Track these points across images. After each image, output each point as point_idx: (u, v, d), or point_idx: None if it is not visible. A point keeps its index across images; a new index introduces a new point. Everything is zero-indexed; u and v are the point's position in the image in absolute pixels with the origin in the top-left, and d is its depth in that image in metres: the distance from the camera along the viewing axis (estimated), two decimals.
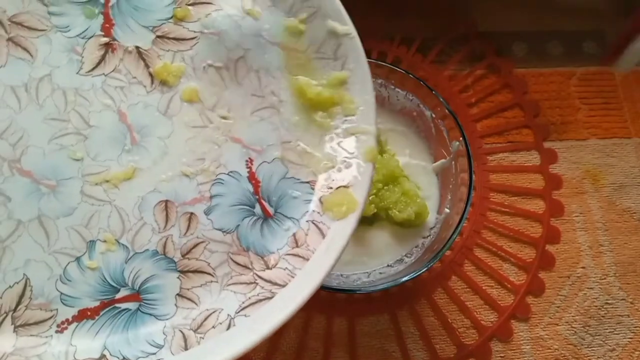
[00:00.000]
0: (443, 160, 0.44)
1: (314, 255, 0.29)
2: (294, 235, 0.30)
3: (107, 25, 0.32)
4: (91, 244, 0.29)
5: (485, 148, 0.49)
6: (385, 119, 0.46)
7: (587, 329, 0.43)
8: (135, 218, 0.30)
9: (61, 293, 0.28)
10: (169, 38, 0.32)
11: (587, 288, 0.45)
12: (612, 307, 0.44)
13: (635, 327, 0.44)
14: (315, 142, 0.32)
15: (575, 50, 0.53)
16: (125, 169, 0.30)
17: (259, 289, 0.29)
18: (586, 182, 0.48)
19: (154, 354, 0.27)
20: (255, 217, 0.31)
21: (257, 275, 0.30)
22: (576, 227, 0.46)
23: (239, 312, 0.28)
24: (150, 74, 0.32)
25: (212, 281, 0.29)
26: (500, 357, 0.42)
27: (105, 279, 0.29)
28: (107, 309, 0.29)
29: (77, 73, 0.31)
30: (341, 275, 0.41)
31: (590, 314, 0.44)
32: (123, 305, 0.29)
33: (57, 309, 0.28)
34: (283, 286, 0.29)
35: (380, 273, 0.41)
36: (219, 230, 0.30)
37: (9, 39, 0.31)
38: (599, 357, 0.43)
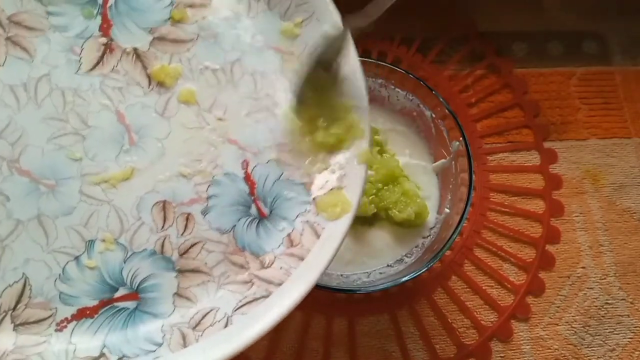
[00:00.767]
0: (443, 160, 0.44)
1: (309, 254, 0.30)
2: (289, 235, 0.31)
3: (105, 25, 0.32)
4: (90, 243, 0.30)
5: (485, 148, 0.49)
6: (385, 119, 0.46)
7: (587, 329, 0.43)
8: (134, 218, 0.30)
9: (60, 292, 0.29)
10: (166, 40, 0.33)
11: (587, 288, 0.45)
12: (612, 307, 0.44)
13: (635, 327, 0.44)
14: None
15: (575, 50, 0.53)
16: (124, 169, 0.31)
17: (255, 288, 0.30)
18: (586, 182, 0.48)
19: (153, 351, 0.28)
20: (251, 218, 0.31)
21: (253, 274, 0.30)
22: (576, 227, 0.47)
23: (236, 310, 0.29)
24: (148, 75, 0.32)
25: (209, 280, 0.30)
26: (500, 357, 0.42)
27: (104, 278, 0.29)
28: (105, 308, 0.29)
29: (75, 73, 0.32)
30: (341, 275, 0.41)
31: (590, 314, 0.44)
32: (121, 304, 0.29)
33: (56, 308, 0.29)
34: (279, 285, 0.29)
35: (380, 273, 0.41)
36: (216, 230, 0.31)
37: (8, 38, 0.31)
38: (599, 357, 0.43)
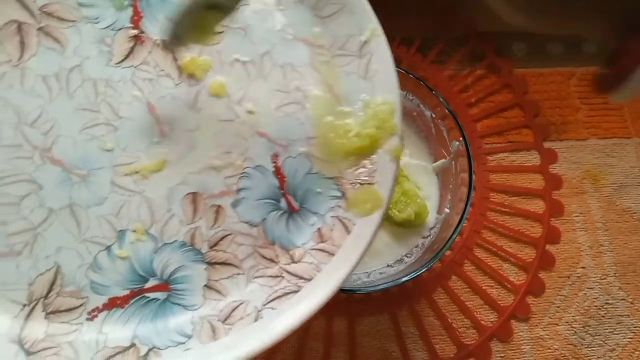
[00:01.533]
0: (443, 160, 0.44)
1: (339, 250, 0.30)
2: (319, 230, 0.31)
3: (136, 17, 0.33)
4: (121, 233, 0.30)
5: (485, 148, 0.49)
6: None
7: (587, 329, 0.43)
8: (164, 209, 0.31)
9: (91, 281, 0.29)
10: None
11: (587, 288, 0.45)
12: (612, 307, 0.44)
13: (635, 327, 0.44)
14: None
15: (575, 50, 0.54)
16: (155, 160, 0.31)
17: (285, 282, 0.30)
18: (586, 182, 0.48)
19: (184, 343, 0.28)
20: (281, 212, 0.31)
21: (283, 268, 0.30)
22: (576, 227, 0.47)
23: (265, 304, 0.29)
24: (178, 67, 0.32)
25: (239, 273, 0.30)
26: (500, 357, 0.42)
27: (134, 268, 0.30)
28: (136, 298, 0.29)
29: (106, 64, 0.32)
30: None
31: (590, 314, 0.44)
32: (152, 295, 0.29)
33: (87, 297, 0.29)
34: (309, 280, 0.30)
35: (380, 273, 0.41)
36: (246, 223, 0.31)
37: (40, 29, 0.32)
38: (599, 357, 0.43)
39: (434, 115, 0.44)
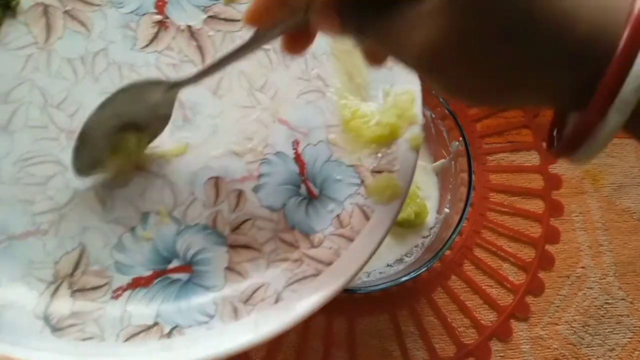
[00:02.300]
0: (443, 160, 0.44)
1: (358, 236, 0.31)
2: (338, 216, 0.32)
3: (160, 3, 0.34)
4: (145, 215, 0.31)
5: (485, 148, 0.49)
6: None
7: (586, 329, 0.44)
8: (187, 193, 0.31)
9: (116, 261, 0.30)
10: (219, 18, 0.34)
11: (587, 288, 0.45)
12: (612, 307, 0.45)
13: (635, 327, 0.44)
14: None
15: None
16: (178, 145, 0.32)
17: (304, 266, 0.31)
18: (586, 182, 0.49)
19: (206, 322, 0.29)
20: (300, 197, 0.32)
21: (302, 253, 0.31)
22: (576, 227, 0.47)
23: (286, 287, 0.30)
24: (201, 53, 0.34)
25: (259, 257, 0.31)
26: (500, 356, 0.43)
27: (158, 249, 0.31)
28: (159, 279, 0.30)
29: (131, 49, 0.33)
30: None
31: (589, 314, 0.44)
32: (175, 276, 0.30)
33: (112, 276, 0.30)
34: (328, 265, 0.30)
35: (380, 273, 0.42)
36: (267, 208, 0.32)
37: (66, 12, 0.33)
38: (598, 357, 0.43)
39: (433, 115, 0.44)
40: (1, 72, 0.32)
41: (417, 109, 0.33)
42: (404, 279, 0.38)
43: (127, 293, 0.29)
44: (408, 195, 0.43)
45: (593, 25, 0.19)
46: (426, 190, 0.45)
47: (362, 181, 0.32)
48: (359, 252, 0.30)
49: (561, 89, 0.20)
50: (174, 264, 0.30)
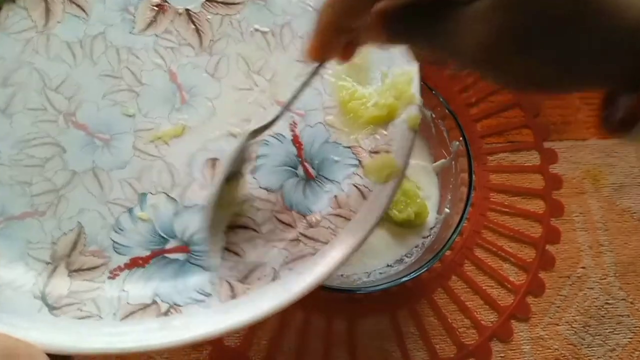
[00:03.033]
0: (443, 160, 0.44)
1: (355, 215, 0.31)
2: (335, 197, 0.32)
3: None
4: (142, 196, 0.31)
5: (486, 148, 0.49)
6: None
7: (587, 329, 0.44)
8: (185, 174, 0.32)
9: (114, 241, 0.30)
10: (217, 2, 0.35)
11: (587, 288, 0.45)
12: (612, 307, 0.45)
13: (635, 327, 0.44)
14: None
15: None
16: (175, 126, 0.32)
17: (302, 245, 0.31)
18: (586, 182, 0.49)
19: (204, 301, 0.29)
20: (298, 179, 0.33)
21: (300, 232, 0.31)
22: (576, 227, 0.47)
23: (283, 265, 0.30)
24: (200, 36, 0.34)
25: (257, 237, 0.31)
26: (500, 357, 0.43)
27: (155, 230, 0.31)
28: (157, 258, 0.30)
29: (129, 32, 0.34)
30: (341, 275, 0.41)
31: (590, 314, 0.44)
32: (172, 256, 0.30)
33: (109, 256, 0.30)
34: (325, 243, 0.31)
35: (380, 273, 0.42)
36: (264, 189, 0.32)
37: None
38: (599, 357, 0.43)
39: (434, 115, 0.44)
40: (0, 56, 0.32)
41: (415, 89, 0.33)
42: (404, 279, 0.38)
43: (124, 273, 0.30)
44: (408, 196, 0.43)
45: None
46: (426, 190, 0.45)
47: (360, 162, 0.32)
48: (356, 230, 0.30)
49: (617, 73, 0.21)
50: (172, 244, 0.30)
